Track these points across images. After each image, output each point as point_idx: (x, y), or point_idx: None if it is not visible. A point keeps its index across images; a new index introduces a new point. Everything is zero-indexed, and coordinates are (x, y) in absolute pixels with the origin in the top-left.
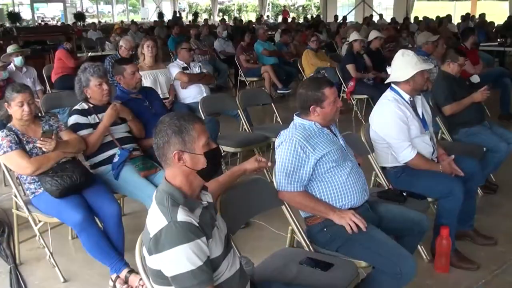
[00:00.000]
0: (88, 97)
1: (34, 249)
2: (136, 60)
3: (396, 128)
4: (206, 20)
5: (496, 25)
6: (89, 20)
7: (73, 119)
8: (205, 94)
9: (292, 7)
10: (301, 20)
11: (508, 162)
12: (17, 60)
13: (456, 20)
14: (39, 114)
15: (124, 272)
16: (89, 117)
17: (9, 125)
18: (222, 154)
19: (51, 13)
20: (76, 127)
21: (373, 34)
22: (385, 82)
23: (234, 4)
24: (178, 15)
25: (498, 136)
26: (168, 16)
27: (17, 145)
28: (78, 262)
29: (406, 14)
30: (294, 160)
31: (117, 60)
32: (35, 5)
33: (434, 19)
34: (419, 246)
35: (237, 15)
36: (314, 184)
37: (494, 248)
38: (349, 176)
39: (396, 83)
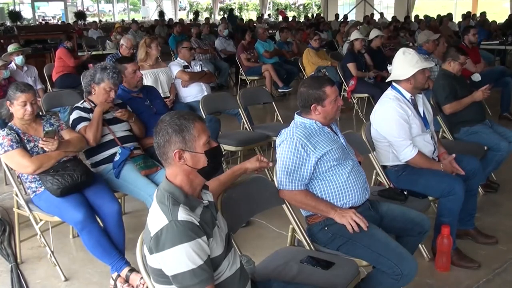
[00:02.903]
0: (93, 93)
1: (35, 248)
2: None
3: (397, 127)
4: (207, 19)
5: (497, 23)
6: (89, 19)
7: (76, 113)
8: (206, 93)
9: (293, 6)
10: (301, 19)
11: (509, 161)
12: (18, 59)
13: (457, 18)
14: (40, 113)
15: (125, 271)
16: (90, 114)
17: (10, 124)
18: (223, 153)
19: (52, 12)
20: (80, 120)
21: (374, 33)
22: (386, 81)
23: (235, 3)
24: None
25: (499, 134)
26: (169, 15)
27: (18, 144)
28: (79, 261)
29: (407, 12)
30: (295, 159)
31: (118, 59)
32: (35, 4)
33: (435, 17)
34: (420, 245)
35: (238, 14)
36: (315, 183)
37: (495, 247)
38: (350, 175)
39: (397, 81)
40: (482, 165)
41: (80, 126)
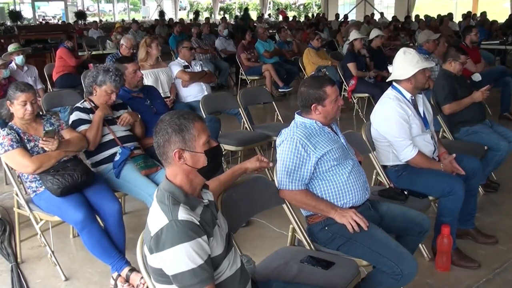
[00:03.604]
0: (94, 94)
1: (35, 248)
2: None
3: (398, 127)
4: (207, 18)
5: (497, 23)
6: (90, 19)
7: (75, 115)
8: (206, 93)
9: (293, 6)
10: (302, 19)
11: (509, 160)
12: (18, 59)
13: (457, 18)
14: (40, 113)
15: (125, 271)
16: (90, 115)
17: (10, 123)
18: (223, 153)
19: (52, 12)
20: (79, 122)
21: (374, 33)
22: (387, 81)
23: (235, 3)
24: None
25: (499, 134)
26: (169, 15)
27: (18, 144)
28: (79, 261)
29: (408, 12)
30: (295, 159)
31: (118, 59)
32: (36, 3)
33: (435, 17)
34: (420, 245)
35: (238, 14)
36: (315, 182)
37: (495, 247)
38: (350, 175)
39: (397, 81)
40: (482, 165)
41: (79, 130)
